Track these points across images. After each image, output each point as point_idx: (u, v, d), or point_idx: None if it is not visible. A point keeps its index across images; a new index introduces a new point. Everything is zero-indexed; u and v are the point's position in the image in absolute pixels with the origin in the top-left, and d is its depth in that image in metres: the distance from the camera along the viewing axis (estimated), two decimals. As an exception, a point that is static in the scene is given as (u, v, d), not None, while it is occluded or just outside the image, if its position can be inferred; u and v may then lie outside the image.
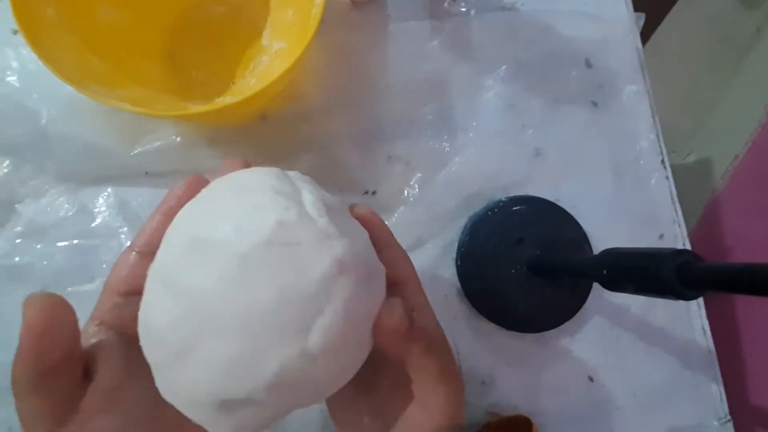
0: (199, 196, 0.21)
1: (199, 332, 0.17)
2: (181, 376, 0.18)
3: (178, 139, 0.38)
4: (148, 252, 0.21)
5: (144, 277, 0.20)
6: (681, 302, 0.42)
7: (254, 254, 0.17)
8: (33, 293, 0.17)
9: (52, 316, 0.17)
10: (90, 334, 0.20)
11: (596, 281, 0.29)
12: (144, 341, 0.19)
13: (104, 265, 0.37)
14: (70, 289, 0.37)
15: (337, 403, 0.25)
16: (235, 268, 0.17)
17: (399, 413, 0.22)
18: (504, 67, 0.43)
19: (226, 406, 0.18)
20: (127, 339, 0.20)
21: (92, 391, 0.19)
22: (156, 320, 0.18)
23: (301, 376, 0.17)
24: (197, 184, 0.22)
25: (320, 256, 0.18)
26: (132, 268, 0.21)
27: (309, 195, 0.20)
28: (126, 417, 0.19)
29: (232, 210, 0.19)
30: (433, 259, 0.40)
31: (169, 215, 0.21)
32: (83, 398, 0.18)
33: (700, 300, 0.42)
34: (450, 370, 0.22)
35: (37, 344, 0.16)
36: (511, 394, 0.39)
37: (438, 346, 0.22)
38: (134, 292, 0.20)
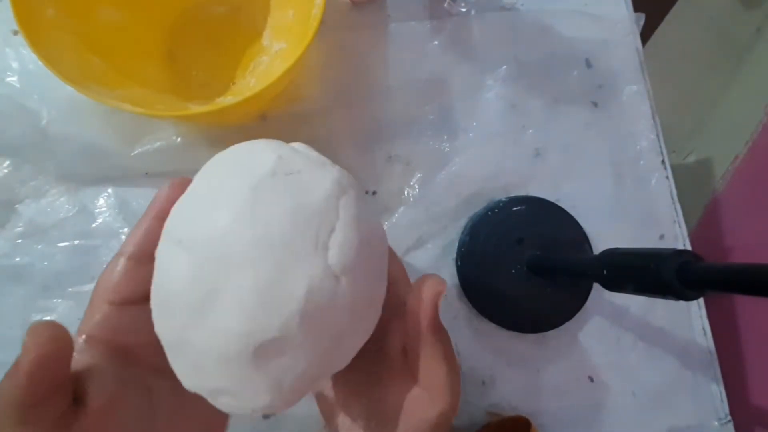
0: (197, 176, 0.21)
1: (218, 277, 0.16)
2: (204, 335, 0.17)
3: (179, 139, 0.38)
4: (140, 257, 0.20)
5: (138, 284, 0.19)
6: (681, 302, 0.42)
7: (261, 185, 0.18)
8: (36, 322, 0.16)
9: (50, 348, 0.16)
10: (78, 352, 0.19)
11: (596, 281, 0.29)
12: (159, 313, 0.18)
13: (104, 266, 0.37)
14: (70, 289, 0.37)
15: (339, 391, 0.25)
16: (245, 203, 0.17)
17: (401, 399, 0.22)
18: (504, 67, 0.43)
19: (261, 354, 0.16)
20: (121, 353, 0.19)
21: (83, 417, 0.17)
22: (172, 281, 0.17)
23: (329, 301, 0.17)
24: (182, 184, 0.21)
25: (322, 179, 0.19)
26: (123, 274, 0.20)
27: (297, 144, 0.22)
28: None
29: (234, 161, 0.20)
30: (433, 259, 0.40)
31: (160, 218, 0.20)
32: (74, 426, 0.17)
33: (701, 300, 0.42)
34: (451, 357, 0.22)
35: (31, 376, 0.15)
36: (511, 394, 0.39)
37: (442, 334, 0.22)
38: (127, 302, 0.20)
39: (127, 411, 0.19)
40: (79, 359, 0.18)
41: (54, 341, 0.16)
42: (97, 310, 0.20)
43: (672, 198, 0.43)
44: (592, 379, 0.40)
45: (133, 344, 0.20)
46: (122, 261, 0.20)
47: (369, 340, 0.21)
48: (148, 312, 0.19)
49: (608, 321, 0.41)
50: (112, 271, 0.20)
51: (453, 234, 0.40)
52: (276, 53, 0.40)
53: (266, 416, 0.36)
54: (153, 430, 0.19)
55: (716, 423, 0.40)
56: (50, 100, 0.38)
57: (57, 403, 0.17)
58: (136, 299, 0.20)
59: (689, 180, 0.65)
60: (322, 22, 0.31)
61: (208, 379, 0.17)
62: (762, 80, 0.67)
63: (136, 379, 0.19)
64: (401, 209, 0.40)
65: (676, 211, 0.43)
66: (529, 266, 0.38)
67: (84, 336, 0.19)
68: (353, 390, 0.24)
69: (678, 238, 0.43)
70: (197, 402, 0.19)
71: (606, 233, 0.41)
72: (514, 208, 0.40)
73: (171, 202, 0.20)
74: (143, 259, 0.20)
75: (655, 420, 0.40)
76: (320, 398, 0.25)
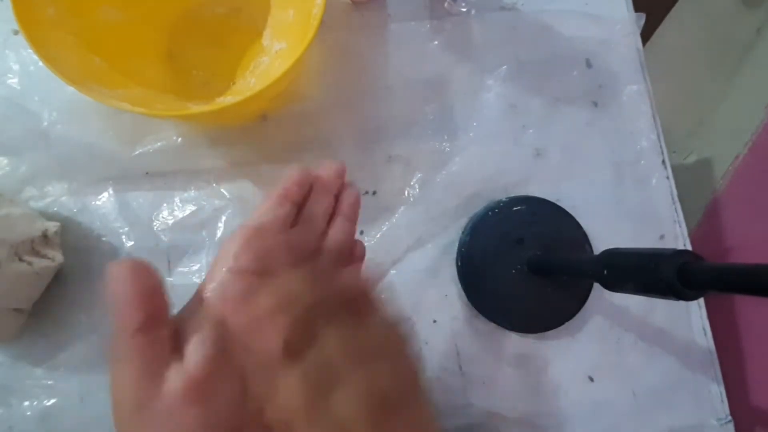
0: None
1: None
2: None
3: (179, 139, 0.38)
4: (262, 231, 0.21)
5: (253, 256, 0.21)
6: (681, 302, 0.42)
7: None
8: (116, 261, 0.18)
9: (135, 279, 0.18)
10: (189, 311, 0.20)
11: (597, 281, 0.29)
12: None
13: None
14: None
15: None
16: None
17: None
18: (504, 67, 0.43)
19: None
20: (223, 326, 0.19)
21: (178, 372, 0.18)
22: None
23: None
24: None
25: None
26: (243, 245, 0.21)
27: None
28: (209, 416, 0.18)
29: None
30: (434, 259, 0.40)
31: (287, 198, 0.23)
32: (168, 376, 0.18)
33: (701, 300, 0.42)
34: None
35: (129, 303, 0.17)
36: (511, 394, 0.39)
37: None
38: (242, 271, 0.20)
39: (220, 388, 0.19)
40: (188, 319, 0.20)
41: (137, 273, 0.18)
42: (215, 275, 0.21)
43: (672, 198, 0.43)
44: (592, 379, 0.40)
45: (235, 316, 0.20)
46: (245, 232, 0.21)
47: None
48: (258, 286, 0.20)
49: (608, 321, 0.41)
50: (234, 241, 0.21)
51: (453, 234, 0.40)
52: (276, 53, 0.40)
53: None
54: (239, 422, 0.19)
55: (716, 423, 0.40)
56: (51, 102, 0.38)
57: (156, 336, 0.18)
58: (251, 270, 0.21)
59: (689, 180, 0.65)
60: (323, 22, 0.31)
61: None
62: (762, 80, 0.67)
63: (234, 356, 0.19)
64: (401, 209, 0.40)
65: (677, 211, 0.43)
66: (529, 266, 0.38)
67: (198, 298, 0.20)
68: None
69: (678, 238, 0.43)
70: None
71: (606, 233, 0.41)
72: (515, 208, 0.40)
73: (297, 183, 0.23)
74: (263, 232, 0.21)
75: (655, 420, 0.40)
76: None
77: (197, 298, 0.20)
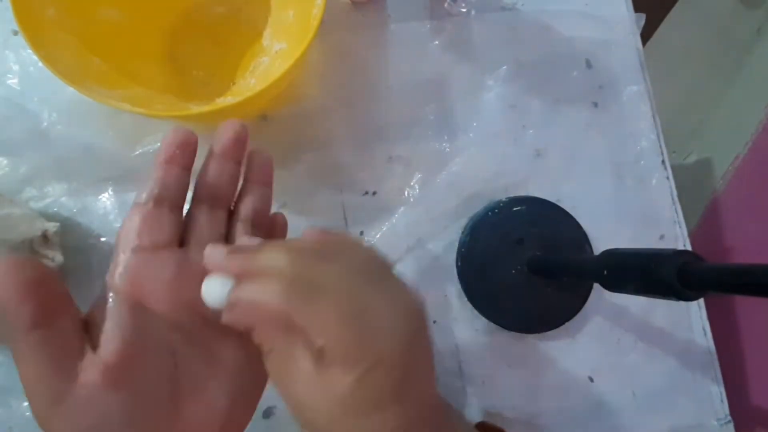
0: None
1: None
2: None
3: (179, 139, 0.38)
4: (158, 202, 0.20)
5: (158, 229, 0.20)
6: (681, 303, 0.42)
7: None
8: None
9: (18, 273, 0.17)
10: (98, 301, 0.19)
11: (597, 282, 0.29)
12: None
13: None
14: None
15: None
16: None
17: None
18: (504, 67, 0.43)
19: None
20: (141, 305, 0.19)
21: (93, 362, 0.17)
22: None
23: None
24: (185, 129, 0.23)
25: None
26: (143, 221, 0.20)
27: None
28: (136, 398, 0.18)
29: None
30: (433, 259, 0.40)
31: (170, 162, 0.21)
32: (83, 367, 0.17)
33: (701, 300, 0.42)
34: None
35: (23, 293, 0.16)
36: (511, 394, 0.39)
37: None
38: (148, 247, 0.20)
39: (145, 369, 0.18)
40: (99, 308, 0.19)
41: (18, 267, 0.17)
42: (119, 260, 0.20)
43: (672, 198, 0.43)
44: (592, 379, 0.40)
45: (153, 295, 0.19)
46: (140, 209, 0.20)
47: None
48: (169, 258, 0.20)
49: (608, 321, 0.41)
50: (132, 220, 0.20)
51: (453, 234, 0.40)
52: (276, 53, 0.40)
53: (266, 416, 0.36)
54: (174, 397, 0.19)
55: (716, 423, 0.40)
56: (51, 102, 0.38)
57: (65, 325, 0.17)
58: (157, 244, 0.20)
59: (689, 180, 0.65)
60: (323, 23, 0.31)
61: None
62: (762, 80, 0.67)
63: (157, 335, 0.19)
64: (401, 209, 0.40)
65: (677, 212, 0.43)
66: (529, 266, 0.38)
67: (106, 286, 0.19)
68: None
69: (678, 239, 0.43)
70: (225, 375, 0.20)
71: (606, 233, 0.41)
72: (515, 209, 0.40)
73: (177, 145, 0.22)
74: (160, 203, 0.20)
75: (655, 420, 0.40)
76: None
77: (107, 286, 0.20)
